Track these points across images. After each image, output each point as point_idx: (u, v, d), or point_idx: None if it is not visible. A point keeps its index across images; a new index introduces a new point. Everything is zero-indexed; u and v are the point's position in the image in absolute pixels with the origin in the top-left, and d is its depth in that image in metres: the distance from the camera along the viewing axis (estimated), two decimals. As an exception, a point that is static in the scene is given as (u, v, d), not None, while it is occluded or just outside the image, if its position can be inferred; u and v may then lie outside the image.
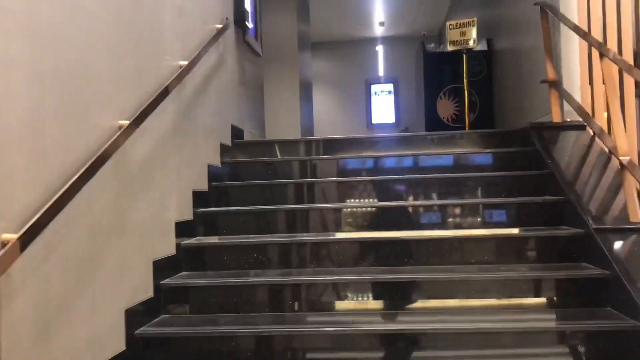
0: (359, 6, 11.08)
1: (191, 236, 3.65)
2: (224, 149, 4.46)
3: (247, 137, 5.27)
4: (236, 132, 4.89)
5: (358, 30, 12.62)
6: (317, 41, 12.87)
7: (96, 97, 2.52)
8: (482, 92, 7.07)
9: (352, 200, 4.10)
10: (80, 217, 2.34)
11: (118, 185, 2.69)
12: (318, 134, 12.86)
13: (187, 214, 3.63)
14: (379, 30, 12.71)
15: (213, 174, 4.15)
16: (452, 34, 6.77)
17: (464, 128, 6.95)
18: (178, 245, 3.39)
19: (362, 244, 3.44)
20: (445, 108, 7.16)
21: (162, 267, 3.13)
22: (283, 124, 8.71)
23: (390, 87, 13.44)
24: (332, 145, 4.85)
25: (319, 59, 13.36)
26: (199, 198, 3.80)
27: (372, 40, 13.24)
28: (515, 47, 5.99)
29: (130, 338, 2.71)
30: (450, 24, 6.80)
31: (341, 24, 12.17)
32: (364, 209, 3.83)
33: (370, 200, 4.08)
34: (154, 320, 2.98)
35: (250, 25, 5.16)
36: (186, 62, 3.54)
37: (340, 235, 3.65)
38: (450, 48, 6.79)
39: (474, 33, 6.66)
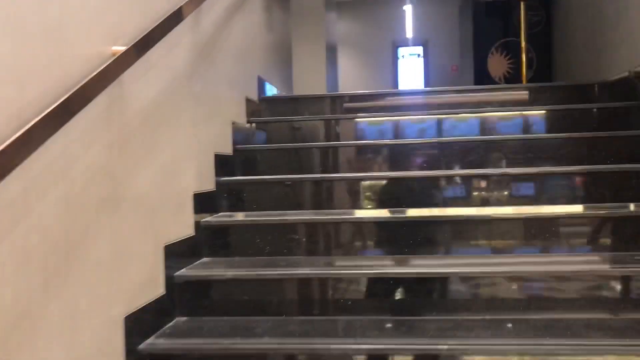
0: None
1: (213, 212, 2.84)
2: (250, 104, 3.62)
3: (275, 93, 4.43)
4: (263, 86, 4.05)
5: (385, -13, 11.62)
6: (341, 0, 11.90)
7: (78, 10, 1.70)
8: (540, 47, 6.14)
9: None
10: (50, 184, 1.53)
11: (111, 138, 1.87)
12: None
13: (209, 184, 2.81)
14: (408, -12, 11.69)
15: (238, 135, 3.32)
16: (509, -22, 5.83)
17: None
18: (197, 224, 2.58)
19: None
20: (497, 65, 6.25)
21: (176, 254, 2.32)
22: (309, 87, 7.87)
23: (419, 50, 12.45)
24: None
25: (343, 20, 12.39)
26: (222, 164, 2.98)
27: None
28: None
29: (132, 357, 1.91)
30: (506, -33, 5.86)
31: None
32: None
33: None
34: (166, 328, 2.18)
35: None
36: (204, -17, 2.69)
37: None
38: (505, -5, 5.86)
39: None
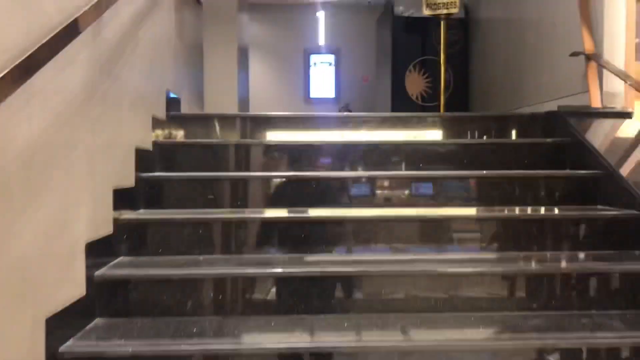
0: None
1: (113, 255, 2.41)
2: (157, 124, 3.18)
3: (186, 109, 3.99)
4: (172, 102, 3.61)
5: (299, -8, 11.34)
6: (253, 2, 11.49)
7: None
8: (457, 67, 6.10)
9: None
10: None
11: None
12: (252, 108, 11.57)
13: (105, 226, 2.36)
14: (321, -5, 11.48)
15: (143, 162, 2.88)
16: (429, -4, 5.71)
17: (435, 108, 5.96)
18: (90, 279, 2.14)
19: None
20: (415, 83, 6.14)
21: (62, 324, 1.88)
22: (220, 93, 7.43)
23: (331, 58, 12.29)
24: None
25: (255, 22, 11.98)
26: (123, 198, 2.54)
27: (313, 6, 12.00)
28: (511, 16, 5.02)
29: None
30: (428, -16, 5.73)
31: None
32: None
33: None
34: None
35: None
36: (108, -11, 2.26)
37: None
38: (426, 12, 5.73)
39: (457, -4, 5.63)
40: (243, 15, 8.31)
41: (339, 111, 11.92)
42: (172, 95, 3.60)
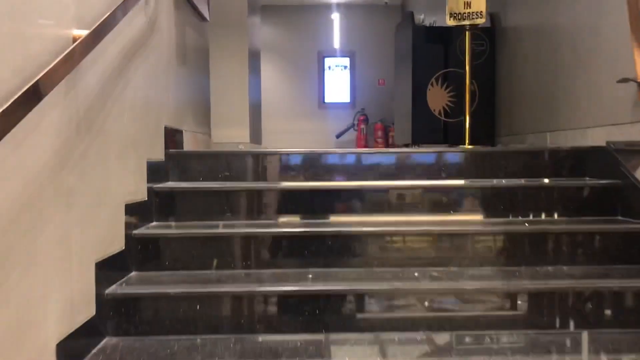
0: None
1: (99, 336, 2.06)
2: (153, 168, 2.83)
3: (188, 141, 3.63)
4: (172, 136, 3.25)
5: (313, -6, 10.94)
6: (267, 4, 11.13)
7: None
8: (483, 80, 5.66)
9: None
10: None
11: None
12: (266, 114, 11.21)
13: (87, 309, 2.01)
14: (336, -4, 11.07)
15: (135, 214, 2.53)
16: (453, 4, 5.29)
17: (461, 124, 5.54)
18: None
19: None
20: (436, 98, 5.72)
21: None
22: (229, 102, 7.13)
23: (346, 61, 11.88)
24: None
25: (267, 25, 11.61)
26: (109, 267, 2.19)
27: (327, 7, 11.60)
28: (543, 26, 4.59)
29: None
30: (452, -8, 5.31)
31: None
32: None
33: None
34: None
35: (195, -25, 3.49)
36: (86, 32, 1.90)
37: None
38: (450, 22, 5.31)
39: (483, 4, 5.20)
40: (254, 18, 7.96)
41: (355, 116, 11.54)
42: (172, 127, 3.24)
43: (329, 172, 3.18)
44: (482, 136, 5.62)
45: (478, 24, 5.28)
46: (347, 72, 11.86)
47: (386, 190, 2.96)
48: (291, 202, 2.94)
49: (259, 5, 8.81)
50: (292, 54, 11.77)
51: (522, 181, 3.04)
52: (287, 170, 3.19)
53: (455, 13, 5.27)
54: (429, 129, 5.76)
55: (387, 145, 11.16)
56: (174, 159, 3.13)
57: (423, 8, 8.74)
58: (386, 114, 11.32)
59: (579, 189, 2.95)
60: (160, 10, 3.01)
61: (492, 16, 5.57)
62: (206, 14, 4.17)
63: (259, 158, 3.24)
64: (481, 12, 5.22)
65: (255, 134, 8.16)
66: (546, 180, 3.09)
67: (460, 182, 3.10)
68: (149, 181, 2.77)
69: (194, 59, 3.94)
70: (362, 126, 11.48)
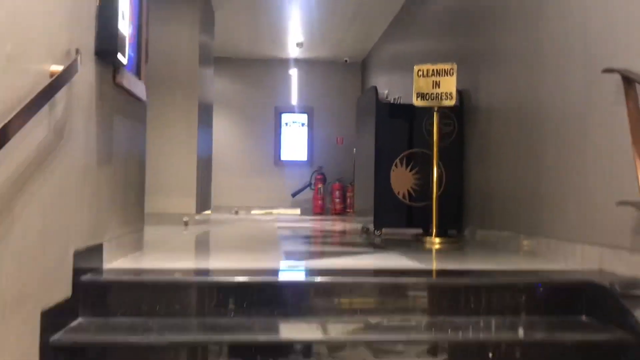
0: (274, 23, 9.00)
1: None
2: (51, 315, 2.20)
3: (111, 253, 3.00)
4: (86, 258, 2.62)
5: (271, 49, 10.52)
6: (220, 56, 10.65)
7: None
8: (451, 162, 5.26)
9: None
10: None
11: None
12: (218, 168, 10.60)
13: None
14: (294, 51, 10.69)
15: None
16: (421, 84, 4.88)
17: (427, 209, 5.09)
18: None
19: None
20: (401, 180, 5.26)
21: None
22: (175, 160, 6.58)
23: (304, 118, 11.45)
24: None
25: (222, 77, 11.11)
26: None
27: (285, 62, 11.21)
28: (521, 110, 4.19)
29: None
30: (420, 70, 4.91)
31: (251, 40, 10.02)
32: None
33: None
34: None
35: (124, 59, 2.91)
36: None
37: None
38: (417, 103, 4.90)
39: (453, 85, 4.81)
40: (205, 69, 7.45)
41: (312, 174, 11.06)
42: (87, 246, 2.63)
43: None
44: (450, 221, 5.17)
45: (447, 106, 4.90)
46: (305, 129, 11.42)
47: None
48: None
49: (211, 57, 8.31)
50: (248, 109, 11.29)
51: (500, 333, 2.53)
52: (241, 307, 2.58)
53: (424, 94, 4.87)
54: (393, 211, 5.28)
55: (345, 207, 10.68)
56: (86, 290, 2.50)
57: (383, 74, 8.43)
58: (344, 174, 10.89)
59: (579, 345, 2.45)
60: (74, 110, 2.43)
61: (461, 93, 5.19)
62: (143, 95, 3.60)
63: (204, 290, 2.64)
64: (451, 93, 4.83)
65: (203, 199, 7.54)
66: (538, 336, 2.59)
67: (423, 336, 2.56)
68: (44, 333, 2.13)
69: (126, 150, 3.35)
70: (320, 185, 11.01)
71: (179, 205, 6.59)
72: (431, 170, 4.89)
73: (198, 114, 6.77)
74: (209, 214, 8.15)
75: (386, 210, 5.28)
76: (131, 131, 3.47)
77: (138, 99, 3.55)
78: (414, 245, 4.60)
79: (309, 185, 11.15)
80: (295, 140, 11.41)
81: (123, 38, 2.79)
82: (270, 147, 11.28)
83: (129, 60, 3.11)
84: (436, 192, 4.89)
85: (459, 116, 5.28)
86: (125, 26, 2.79)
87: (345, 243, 5.01)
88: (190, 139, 6.76)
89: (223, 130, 11.12)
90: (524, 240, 4.01)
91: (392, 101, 5.44)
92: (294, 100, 11.18)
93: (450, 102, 4.84)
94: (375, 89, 5.42)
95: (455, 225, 5.26)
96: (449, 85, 4.84)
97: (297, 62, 11.17)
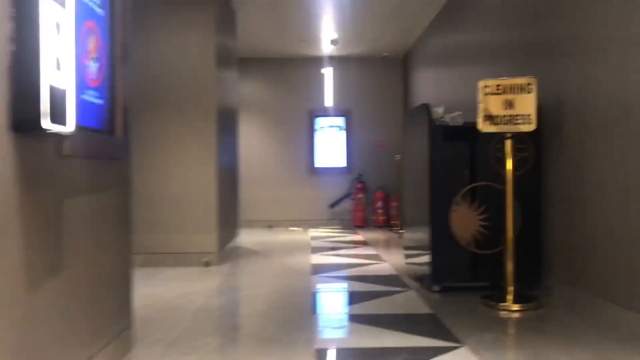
0: (304, 19, 7.95)
1: None
2: None
3: None
4: None
5: (302, 47, 9.49)
6: (247, 57, 9.71)
7: None
8: (527, 197, 4.18)
9: None
10: None
11: None
12: (248, 178, 9.69)
13: None
14: (328, 49, 9.63)
15: None
16: (489, 104, 3.80)
17: (495, 258, 4.04)
18: None
19: None
20: (464, 222, 4.19)
21: None
22: (189, 187, 5.73)
23: (340, 121, 10.40)
24: None
25: (249, 79, 10.16)
26: None
27: (318, 60, 10.16)
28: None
29: None
30: (487, 85, 3.82)
31: (280, 39, 9.01)
32: None
33: None
34: None
35: (69, 124, 1.94)
36: None
37: None
38: (484, 128, 3.83)
39: (532, 104, 3.72)
40: (227, 72, 6.50)
41: (352, 183, 10.04)
42: None
43: None
44: (525, 274, 4.09)
45: (525, 135, 3.82)
46: (343, 133, 10.38)
47: None
48: None
49: (233, 58, 7.34)
50: (279, 113, 10.31)
51: None
52: None
53: (492, 116, 3.80)
54: (454, 262, 4.24)
55: (389, 219, 9.63)
56: None
57: (429, 70, 7.33)
58: (387, 181, 9.83)
59: None
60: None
61: (539, 110, 4.07)
62: (119, 152, 2.65)
63: None
64: (529, 115, 3.75)
65: (228, 226, 6.62)
66: None
67: None
68: None
69: (90, 227, 2.40)
70: (360, 195, 9.98)
71: (196, 244, 5.68)
72: (504, 209, 3.83)
73: (217, 124, 5.83)
74: (236, 242, 7.23)
75: (445, 261, 4.24)
76: (100, 213, 2.51)
77: (110, 158, 2.59)
78: (484, 315, 3.56)
79: (349, 195, 10.13)
80: (331, 145, 10.38)
81: (61, 95, 1.82)
82: (304, 154, 10.28)
83: (92, 112, 2.15)
84: (511, 238, 3.84)
85: (536, 136, 4.17)
86: (62, 77, 1.82)
87: (392, 315, 3.98)
88: (206, 156, 5.81)
89: (252, 137, 10.18)
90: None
91: (449, 121, 4.35)
92: (329, 101, 10.13)
93: (529, 127, 3.75)
94: (428, 107, 4.34)
95: (530, 278, 4.19)
96: (527, 105, 3.75)
97: (331, 59, 10.10)
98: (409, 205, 5.17)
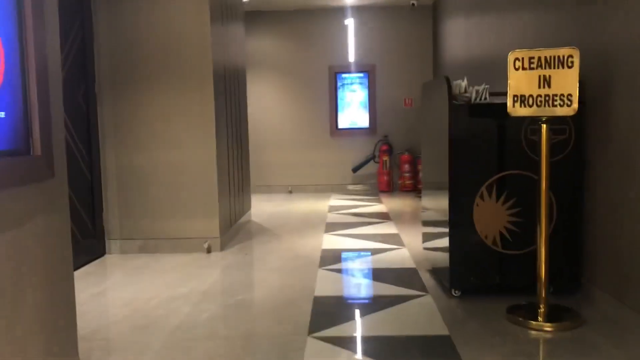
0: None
1: None
2: None
3: None
4: None
5: (319, -2, 8.71)
6: (259, 9, 9.02)
7: None
8: (564, 186, 3.52)
9: None
10: None
11: None
12: (266, 142, 9.17)
13: None
14: (349, -1, 8.82)
15: None
16: (521, 81, 3.10)
17: (525, 258, 3.44)
18: None
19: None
20: (489, 217, 3.56)
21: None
22: (187, 161, 5.24)
23: (363, 78, 9.65)
24: None
25: (263, 34, 9.47)
26: None
27: (339, 11, 9.35)
28: None
29: None
30: (517, 58, 3.11)
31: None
32: None
33: None
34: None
35: None
36: None
37: None
38: (515, 111, 3.15)
39: (574, 82, 3.01)
40: (225, 27, 5.83)
41: (376, 145, 9.37)
42: None
43: None
44: (559, 275, 3.48)
45: (563, 116, 3.13)
46: (366, 90, 9.65)
47: None
48: None
49: (237, 11, 6.65)
50: (298, 70, 9.62)
51: None
52: None
53: (524, 96, 3.11)
54: (477, 264, 3.63)
55: (416, 183, 8.99)
56: None
57: (460, 20, 6.61)
58: (414, 143, 9.15)
59: None
60: None
61: (581, 83, 3.33)
62: (46, 172, 2.11)
63: None
64: (569, 95, 3.05)
65: (237, 202, 6.13)
66: None
67: None
68: None
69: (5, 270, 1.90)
70: (385, 158, 9.35)
71: (197, 228, 5.20)
72: (538, 201, 3.19)
73: (216, 91, 5.24)
74: (248, 215, 6.74)
75: (468, 262, 3.64)
76: (17, 251, 1.99)
77: (28, 182, 2.05)
78: (511, 337, 2.98)
79: (373, 157, 9.49)
80: (354, 104, 9.68)
81: None
82: (326, 114, 9.62)
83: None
84: (545, 237, 3.20)
85: (577, 122, 3.46)
86: None
87: (399, 340, 3.43)
88: (204, 131, 5.23)
89: (269, 97, 9.56)
90: None
91: (474, 97, 3.65)
92: (352, 56, 9.36)
93: (569, 110, 3.05)
94: (448, 80, 3.65)
95: (567, 284, 3.57)
96: (567, 82, 3.03)
97: (353, 9, 9.28)
98: (427, 176, 4.50)
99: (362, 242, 5.55)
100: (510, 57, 3.12)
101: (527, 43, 4.42)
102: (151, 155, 5.15)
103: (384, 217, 6.95)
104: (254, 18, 9.30)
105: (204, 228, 5.19)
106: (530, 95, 3.10)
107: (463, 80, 3.74)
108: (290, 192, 9.57)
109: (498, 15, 5.75)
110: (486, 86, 3.71)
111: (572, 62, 3.01)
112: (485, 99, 3.69)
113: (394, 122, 9.49)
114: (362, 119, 9.65)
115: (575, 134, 3.51)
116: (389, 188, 9.34)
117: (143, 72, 5.13)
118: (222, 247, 5.25)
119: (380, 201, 8.34)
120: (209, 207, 5.19)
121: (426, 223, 4.53)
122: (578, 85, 3.03)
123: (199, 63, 5.13)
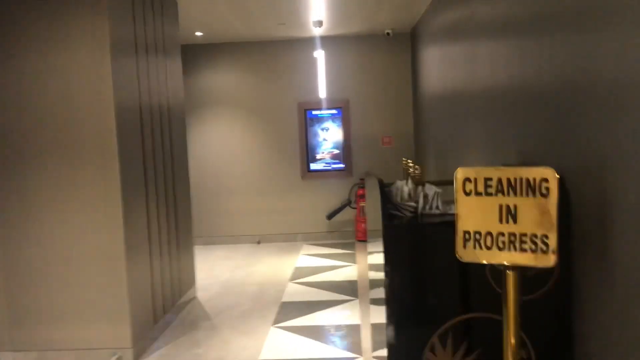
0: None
1: None
2: None
3: None
4: None
5: (281, 30, 7.75)
6: (218, 41, 8.09)
7: None
8: (543, 326, 2.51)
9: None
10: None
11: None
12: (229, 188, 8.22)
13: None
14: (316, 30, 7.85)
15: None
16: (471, 211, 2.12)
17: None
18: None
19: None
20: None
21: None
22: (87, 244, 4.21)
23: (337, 115, 8.66)
24: None
25: (223, 68, 8.52)
26: None
27: (307, 42, 8.39)
28: None
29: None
30: (467, 178, 2.13)
31: (248, 25, 7.30)
32: None
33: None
34: None
35: None
36: None
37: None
38: (464, 257, 2.16)
39: (550, 217, 2.02)
40: (157, 64, 4.86)
41: (352, 189, 8.38)
42: None
43: None
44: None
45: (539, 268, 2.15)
46: (339, 128, 8.68)
47: None
48: None
49: (172, 42, 5.69)
50: (264, 106, 8.66)
51: None
52: None
53: (481, 234, 2.14)
54: None
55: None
56: None
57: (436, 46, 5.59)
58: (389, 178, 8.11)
59: None
60: None
61: (561, 181, 2.33)
62: None
63: None
64: (545, 237, 2.08)
65: (176, 274, 5.16)
66: None
67: None
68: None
69: None
70: (362, 203, 8.33)
71: (103, 338, 4.23)
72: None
73: (122, 157, 4.30)
74: (192, 292, 5.77)
75: None
76: None
77: None
78: None
79: (348, 203, 8.51)
80: (327, 144, 8.70)
81: None
82: (296, 154, 8.64)
83: None
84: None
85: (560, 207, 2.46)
86: None
87: None
88: (109, 213, 4.25)
89: (232, 137, 8.60)
90: None
91: (422, 205, 2.67)
92: (323, 91, 8.39)
93: (545, 260, 2.06)
94: (382, 185, 2.67)
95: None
96: (541, 217, 2.04)
97: (323, 40, 8.31)
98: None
99: (317, 346, 4.54)
100: (459, 176, 2.14)
101: (515, 70, 3.43)
102: (44, 247, 4.19)
103: (351, 292, 5.95)
104: (211, 51, 8.36)
105: (112, 337, 4.22)
106: (488, 233, 2.11)
107: (406, 184, 2.76)
108: (259, 242, 8.61)
109: (487, 41, 4.76)
110: (437, 190, 2.73)
111: (546, 189, 2.03)
112: (437, 208, 2.71)
113: (372, 162, 8.50)
114: (335, 160, 8.66)
115: (559, 268, 2.51)
116: (367, 237, 8.34)
117: (32, 147, 4.17)
118: (137, 359, 4.27)
119: (353, 259, 7.35)
120: (116, 310, 4.22)
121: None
122: (556, 217, 2.04)
123: (97, 124, 4.14)
